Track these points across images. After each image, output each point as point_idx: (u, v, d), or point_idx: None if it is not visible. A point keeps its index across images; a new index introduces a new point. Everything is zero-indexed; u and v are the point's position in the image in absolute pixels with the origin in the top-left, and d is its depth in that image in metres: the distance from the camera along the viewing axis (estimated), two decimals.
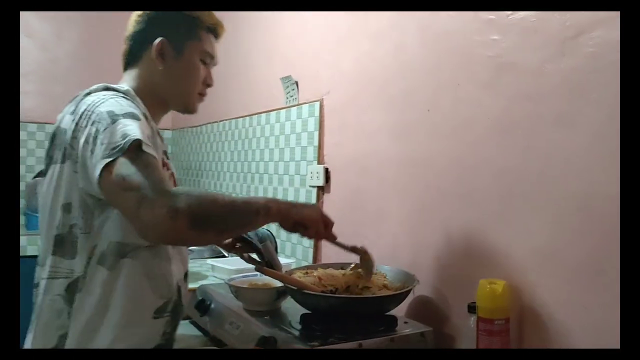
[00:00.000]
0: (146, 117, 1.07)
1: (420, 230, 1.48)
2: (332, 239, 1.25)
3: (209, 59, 1.23)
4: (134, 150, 0.93)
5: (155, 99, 1.19)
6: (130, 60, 1.21)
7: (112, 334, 1.06)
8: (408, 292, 1.28)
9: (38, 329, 1.08)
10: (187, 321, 1.71)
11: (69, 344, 1.05)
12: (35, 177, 3.31)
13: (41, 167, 3.52)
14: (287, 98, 2.21)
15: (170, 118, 3.99)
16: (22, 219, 3.26)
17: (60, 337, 1.05)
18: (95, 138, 0.97)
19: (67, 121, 1.06)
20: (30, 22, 3.37)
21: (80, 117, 1.02)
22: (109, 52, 3.50)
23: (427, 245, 1.45)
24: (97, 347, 1.05)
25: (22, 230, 3.01)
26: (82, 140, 0.99)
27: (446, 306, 1.37)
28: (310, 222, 1.15)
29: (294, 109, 2.16)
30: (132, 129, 0.96)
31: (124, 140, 0.93)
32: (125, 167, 0.91)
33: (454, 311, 1.35)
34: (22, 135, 3.35)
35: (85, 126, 1.00)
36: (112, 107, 1.01)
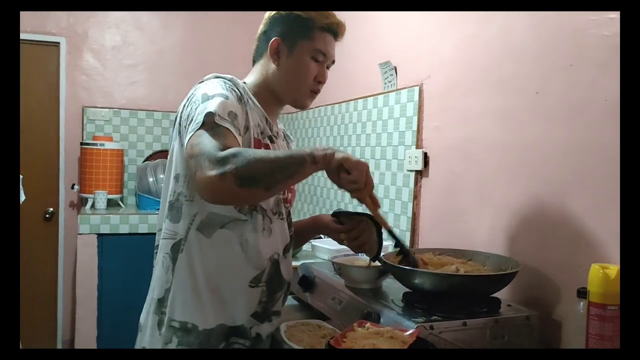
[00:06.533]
0: (241, 100, 1.18)
1: (525, 216, 1.46)
2: (375, 202, 1.22)
3: (321, 56, 1.29)
4: (210, 123, 1.06)
5: (271, 93, 1.30)
6: (256, 57, 1.34)
7: (210, 296, 1.19)
8: (514, 274, 1.27)
9: (152, 281, 1.25)
10: (291, 296, 1.80)
11: (171, 300, 1.19)
12: (144, 161, 3.57)
13: (150, 152, 3.75)
14: (385, 83, 2.23)
15: None
16: (134, 200, 3.53)
17: (166, 291, 1.20)
18: (189, 116, 1.12)
19: (181, 105, 1.22)
20: (140, 17, 3.61)
21: (188, 100, 1.18)
22: (210, 44, 3.72)
23: (532, 230, 1.43)
24: (196, 307, 1.18)
25: (134, 210, 3.27)
26: (184, 120, 1.15)
27: (552, 291, 1.35)
28: (351, 165, 1.12)
29: (392, 94, 2.17)
30: (212, 105, 1.09)
31: (202, 115, 1.07)
32: (196, 138, 1.05)
33: (560, 296, 1.33)
34: (132, 122, 3.61)
35: (187, 107, 1.16)
36: (207, 89, 1.15)
